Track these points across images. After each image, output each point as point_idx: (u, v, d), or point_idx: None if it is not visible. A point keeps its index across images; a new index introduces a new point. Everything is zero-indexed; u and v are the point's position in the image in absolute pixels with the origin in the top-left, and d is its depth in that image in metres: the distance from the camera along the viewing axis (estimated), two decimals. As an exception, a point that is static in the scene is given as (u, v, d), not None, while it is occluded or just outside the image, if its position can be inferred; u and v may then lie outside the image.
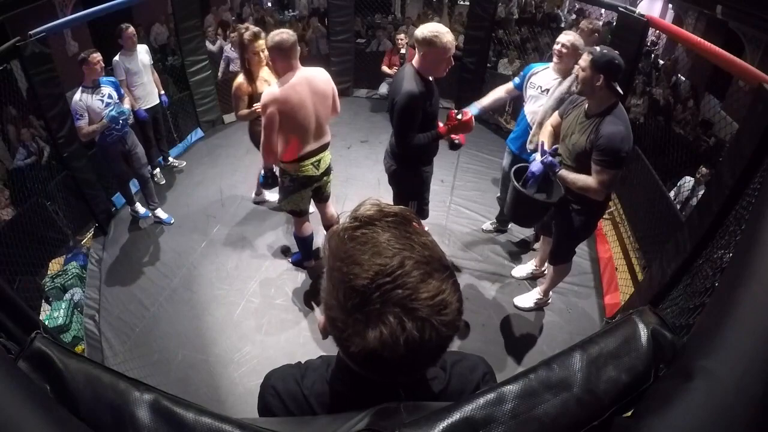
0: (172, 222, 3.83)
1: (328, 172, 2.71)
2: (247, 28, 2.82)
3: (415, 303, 0.52)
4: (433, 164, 2.61)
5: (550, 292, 2.92)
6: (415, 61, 2.23)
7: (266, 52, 2.71)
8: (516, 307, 2.97)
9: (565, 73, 2.65)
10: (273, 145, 2.40)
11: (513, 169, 2.32)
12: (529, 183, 2.29)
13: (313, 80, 2.38)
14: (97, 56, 3.15)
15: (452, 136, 2.47)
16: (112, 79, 3.42)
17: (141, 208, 3.81)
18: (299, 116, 2.36)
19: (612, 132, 1.94)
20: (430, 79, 2.28)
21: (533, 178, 2.27)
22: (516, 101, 4.12)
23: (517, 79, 2.94)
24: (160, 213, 3.84)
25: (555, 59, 2.67)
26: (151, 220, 3.81)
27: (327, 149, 2.63)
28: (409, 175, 2.55)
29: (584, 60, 1.98)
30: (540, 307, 2.96)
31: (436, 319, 0.53)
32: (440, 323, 0.53)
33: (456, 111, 2.37)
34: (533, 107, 2.78)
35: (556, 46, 2.64)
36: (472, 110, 2.52)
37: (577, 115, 2.15)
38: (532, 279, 3.17)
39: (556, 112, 2.40)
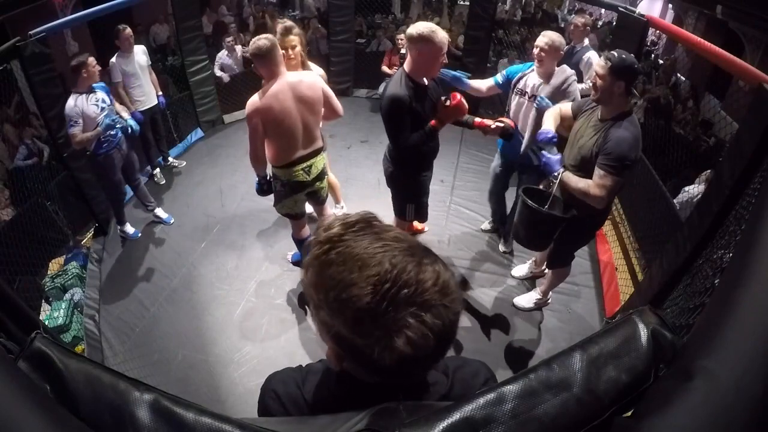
0: (172, 222, 3.83)
1: (321, 177, 2.64)
2: (282, 22, 2.67)
3: (424, 295, 0.53)
4: (432, 168, 2.59)
5: (550, 293, 2.92)
6: (407, 63, 2.19)
7: (298, 48, 2.66)
8: (515, 307, 2.97)
9: (547, 76, 2.60)
10: (259, 154, 2.40)
11: (522, 189, 2.24)
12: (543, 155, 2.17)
13: (297, 87, 2.32)
14: (92, 60, 3.11)
15: (498, 124, 2.37)
16: (101, 83, 3.38)
17: (130, 229, 3.68)
18: (284, 125, 2.33)
19: (621, 137, 1.88)
20: (425, 81, 2.23)
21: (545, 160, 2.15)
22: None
23: (499, 78, 2.85)
24: (160, 212, 3.83)
25: (536, 63, 2.61)
26: (139, 234, 3.72)
27: (319, 154, 2.58)
28: (407, 179, 2.53)
29: (602, 67, 1.88)
30: (539, 307, 2.96)
31: (447, 300, 0.54)
32: (451, 302, 0.55)
33: (444, 97, 2.25)
34: (522, 113, 2.72)
35: (535, 50, 2.57)
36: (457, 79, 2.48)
37: (589, 119, 2.08)
38: (532, 279, 3.17)
39: (569, 104, 2.30)
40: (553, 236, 2.26)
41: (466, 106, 2.26)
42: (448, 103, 2.22)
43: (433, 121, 2.23)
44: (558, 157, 2.15)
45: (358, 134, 5.06)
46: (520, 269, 3.23)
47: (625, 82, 1.86)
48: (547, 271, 3.03)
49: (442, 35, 2.08)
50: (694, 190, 3.31)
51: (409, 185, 2.57)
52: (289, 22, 2.69)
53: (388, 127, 2.26)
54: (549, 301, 2.96)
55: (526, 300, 2.96)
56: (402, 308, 0.52)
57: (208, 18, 8.20)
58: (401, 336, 0.52)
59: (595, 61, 3.36)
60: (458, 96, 2.21)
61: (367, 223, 0.59)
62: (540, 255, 3.07)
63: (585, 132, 2.06)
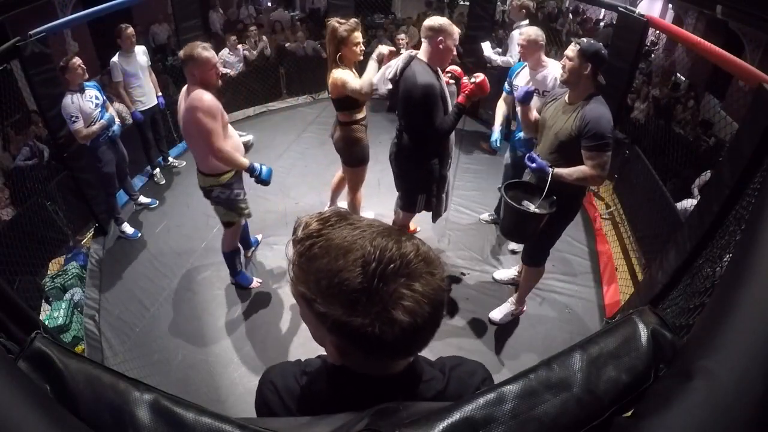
0: (156, 204, 4.01)
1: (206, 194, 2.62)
2: (340, 22, 2.61)
3: (410, 266, 0.55)
4: (440, 157, 2.61)
5: (525, 300, 2.85)
6: (425, 53, 2.31)
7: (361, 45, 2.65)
8: (492, 322, 2.85)
9: (536, 67, 2.82)
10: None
11: (504, 185, 2.29)
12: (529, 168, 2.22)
13: (181, 103, 2.35)
14: (77, 60, 3.14)
15: (474, 80, 2.45)
16: (93, 82, 3.40)
17: (129, 229, 3.69)
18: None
19: (597, 116, 1.98)
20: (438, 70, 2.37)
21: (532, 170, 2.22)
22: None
23: (507, 86, 3.02)
24: (143, 199, 4.02)
25: (522, 59, 2.86)
26: (139, 234, 3.74)
27: (198, 173, 2.55)
28: (418, 170, 2.57)
29: (571, 50, 2.02)
30: (516, 317, 2.87)
31: (431, 268, 0.58)
32: (435, 269, 0.58)
33: (466, 77, 2.34)
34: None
35: (518, 48, 2.83)
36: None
37: (558, 106, 2.18)
38: (513, 284, 3.09)
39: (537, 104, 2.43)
40: (533, 230, 2.26)
41: (488, 85, 2.33)
42: (473, 80, 2.29)
43: (460, 98, 2.32)
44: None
45: (358, 134, 5.04)
46: (503, 273, 3.19)
47: (592, 64, 1.99)
48: (516, 274, 3.01)
49: (455, 27, 2.28)
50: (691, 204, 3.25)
51: (421, 176, 2.60)
52: (352, 20, 2.64)
53: (422, 114, 2.31)
54: (525, 309, 2.90)
55: (502, 312, 2.86)
56: (392, 282, 0.54)
57: (223, 17, 8.24)
58: (398, 307, 0.54)
59: (515, 38, 3.81)
60: (481, 75, 2.29)
61: (340, 216, 0.61)
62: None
63: (557, 118, 2.14)
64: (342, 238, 0.57)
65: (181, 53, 2.29)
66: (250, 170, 2.51)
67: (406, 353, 0.64)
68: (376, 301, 0.54)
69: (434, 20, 2.28)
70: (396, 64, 2.41)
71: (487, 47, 4.22)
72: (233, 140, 2.49)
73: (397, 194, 2.82)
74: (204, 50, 2.24)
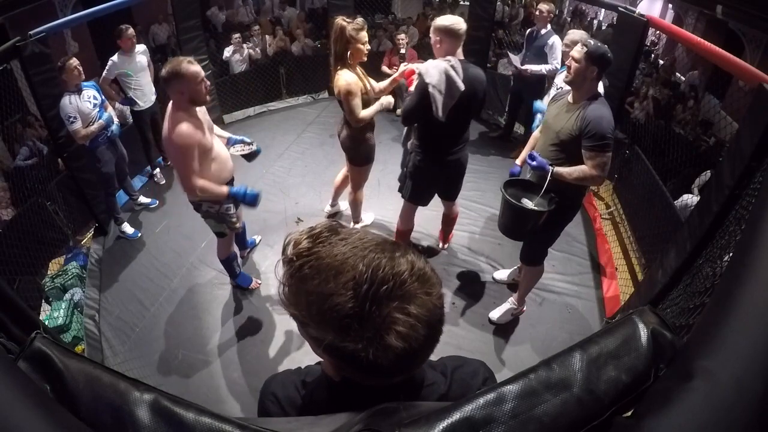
0: (156, 204, 4.03)
1: None
2: (347, 21, 2.60)
3: (404, 287, 0.53)
4: None
5: (525, 300, 2.85)
6: (461, 53, 2.40)
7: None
8: (491, 322, 2.85)
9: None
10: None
11: (504, 182, 2.29)
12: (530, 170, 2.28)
13: (166, 122, 2.25)
14: (73, 62, 3.14)
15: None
16: (91, 82, 3.40)
17: (129, 229, 3.69)
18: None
19: (598, 116, 1.98)
20: None
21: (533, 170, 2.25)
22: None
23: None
24: (143, 199, 4.03)
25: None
26: (138, 234, 3.74)
27: None
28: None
29: (578, 52, 2.01)
30: (516, 317, 2.87)
31: (427, 287, 0.55)
32: (431, 288, 0.55)
33: None
34: None
35: (566, 49, 2.81)
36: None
37: (560, 106, 2.18)
38: (513, 284, 3.07)
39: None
40: (530, 227, 2.26)
41: None
42: None
43: None
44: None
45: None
46: (503, 273, 3.19)
47: (598, 68, 1.99)
48: (516, 274, 3.00)
49: None
50: (692, 200, 3.27)
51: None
52: (359, 19, 2.63)
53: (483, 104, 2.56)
54: (525, 309, 2.89)
55: (501, 312, 2.86)
56: (385, 305, 0.52)
57: (232, 15, 8.25)
58: (391, 333, 0.52)
59: (559, 44, 3.82)
60: None
61: (331, 230, 0.59)
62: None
63: (559, 117, 2.14)
64: (332, 257, 0.55)
65: (163, 72, 2.10)
66: (233, 197, 2.40)
67: (402, 374, 0.61)
68: (368, 327, 0.52)
69: (458, 21, 2.32)
70: (453, 74, 2.31)
71: (515, 59, 4.35)
72: (218, 159, 2.37)
73: (453, 189, 2.96)
74: (191, 65, 2.09)
